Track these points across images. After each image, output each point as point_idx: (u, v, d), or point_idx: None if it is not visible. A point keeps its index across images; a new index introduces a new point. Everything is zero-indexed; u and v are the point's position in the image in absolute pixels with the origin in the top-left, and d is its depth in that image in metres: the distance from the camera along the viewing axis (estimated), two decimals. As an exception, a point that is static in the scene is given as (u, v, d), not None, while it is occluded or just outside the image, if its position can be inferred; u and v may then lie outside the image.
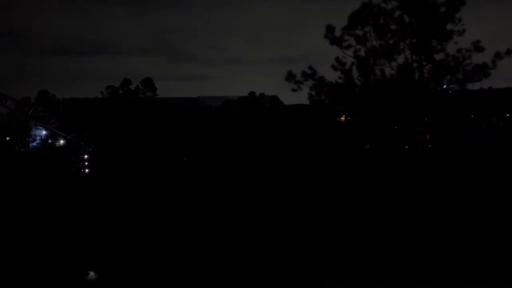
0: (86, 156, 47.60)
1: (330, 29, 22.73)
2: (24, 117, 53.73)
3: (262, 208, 26.47)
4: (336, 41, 22.68)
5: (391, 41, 22.35)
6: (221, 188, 32.03)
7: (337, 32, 22.69)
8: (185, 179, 35.88)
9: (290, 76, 23.37)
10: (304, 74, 23.29)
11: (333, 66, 23.15)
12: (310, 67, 23.37)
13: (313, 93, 24.25)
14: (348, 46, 22.74)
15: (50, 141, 61.63)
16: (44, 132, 58.70)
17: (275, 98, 72.51)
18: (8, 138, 61.59)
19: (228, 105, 70.60)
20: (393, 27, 22.21)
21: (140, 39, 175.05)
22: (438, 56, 22.03)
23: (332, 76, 23.24)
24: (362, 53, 22.69)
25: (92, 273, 18.58)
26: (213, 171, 39.28)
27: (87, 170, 47.17)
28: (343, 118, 34.87)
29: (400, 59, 22.29)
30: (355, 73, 22.91)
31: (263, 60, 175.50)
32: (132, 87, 68.19)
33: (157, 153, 45.80)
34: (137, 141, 49.73)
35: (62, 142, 58.95)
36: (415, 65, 22.28)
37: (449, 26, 21.74)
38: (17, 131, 62.26)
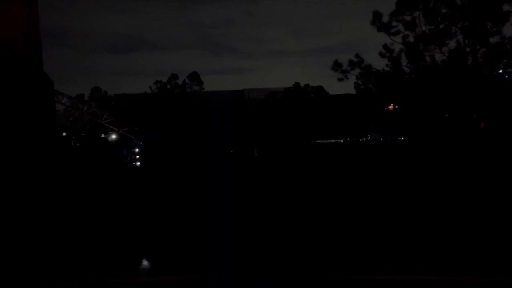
0: (137, 150, 49.22)
1: (377, 15, 22.26)
2: (79, 113, 56.23)
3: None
4: (384, 28, 22.19)
5: (441, 26, 21.60)
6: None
7: (384, 18, 22.20)
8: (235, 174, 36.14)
9: (336, 66, 23.12)
10: (350, 62, 22.98)
11: (380, 54, 22.69)
12: (357, 55, 23.03)
13: (360, 82, 23.92)
14: (396, 33, 22.21)
15: (103, 135, 64.14)
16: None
17: (320, 88, 71.76)
18: (64, 134, 64.66)
19: (273, 97, 70.62)
20: (444, 10, 21.45)
21: (185, 35, 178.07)
22: (493, 39, 21.09)
23: (379, 64, 22.81)
24: (411, 39, 22.11)
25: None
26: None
27: (138, 163, 48.80)
28: (391, 107, 34.09)
29: (452, 43, 21.54)
30: (403, 60, 22.37)
31: (306, 51, 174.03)
32: (179, 81, 69.64)
33: (205, 146, 46.55)
34: (185, 134, 50.84)
35: (114, 136, 61.20)
36: (467, 49, 21.44)
37: (505, 7, 20.73)
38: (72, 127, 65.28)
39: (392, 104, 33.68)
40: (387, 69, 22.92)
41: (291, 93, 70.66)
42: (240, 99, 72.84)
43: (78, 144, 64.89)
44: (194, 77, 69.75)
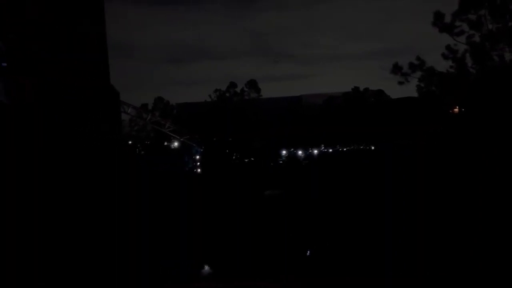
0: (197, 157, 50.52)
1: (438, 16, 21.51)
2: (144, 122, 58.63)
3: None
4: (446, 28, 21.39)
5: (510, 23, 20.48)
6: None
7: (447, 19, 21.40)
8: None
9: (396, 69, 22.59)
10: (411, 65, 22.36)
11: (443, 55, 21.89)
12: (418, 58, 22.37)
13: (422, 84, 23.17)
14: (460, 33, 21.32)
15: (165, 143, 66.44)
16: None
17: (380, 92, 70.04)
18: (130, 142, 67.63)
19: (332, 102, 69.84)
20: (512, 7, 20.34)
21: (242, 43, 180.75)
22: None
23: (441, 65, 22.00)
24: (476, 38, 21.13)
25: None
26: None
27: (199, 170, 50.05)
28: (456, 110, 32.65)
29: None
30: (468, 61, 21.41)
31: (363, 54, 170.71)
32: (238, 89, 70.70)
33: (263, 152, 46.95)
34: (244, 141, 51.54)
35: (176, 144, 63.20)
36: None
37: None
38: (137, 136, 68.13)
39: (457, 107, 32.29)
40: (452, 70, 22.05)
41: (351, 97, 69.53)
42: (297, 105, 72.69)
43: (142, 152, 67.64)
44: (252, 84, 70.57)
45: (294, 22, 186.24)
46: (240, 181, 38.30)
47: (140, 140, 70.30)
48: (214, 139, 51.75)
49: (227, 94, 70.66)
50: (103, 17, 48.07)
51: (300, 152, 60.96)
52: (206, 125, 57.28)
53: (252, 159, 46.30)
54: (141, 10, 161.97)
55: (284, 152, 59.52)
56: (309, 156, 55.93)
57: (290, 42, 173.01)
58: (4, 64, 47.70)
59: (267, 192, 41.71)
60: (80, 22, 45.37)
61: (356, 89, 71.44)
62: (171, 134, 53.14)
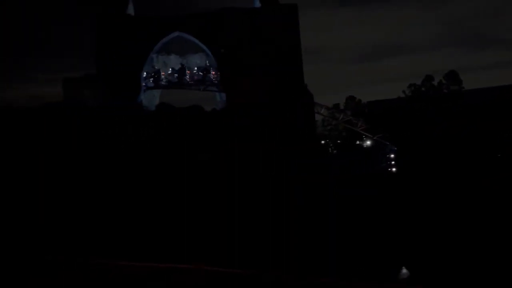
0: (392, 156, 48.94)
1: None
2: (336, 121, 59.67)
3: None
4: None
5: None
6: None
7: None
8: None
9: None
10: None
11: None
12: None
13: None
14: None
15: (358, 142, 66.19)
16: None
17: None
18: (322, 142, 69.42)
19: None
20: None
21: (438, 34, 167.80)
22: None
23: None
24: None
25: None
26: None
27: (393, 169, 48.43)
28: None
29: None
30: None
31: None
32: (435, 82, 66.00)
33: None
34: (442, 139, 47.88)
35: (368, 142, 62.41)
36: None
37: None
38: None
39: None
40: None
41: None
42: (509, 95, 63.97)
43: (335, 151, 68.73)
44: (452, 76, 64.99)
45: (498, 3, 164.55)
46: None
47: (333, 139, 71.56)
48: (412, 136, 49.31)
49: (423, 89, 66.63)
50: (298, 26, 50.96)
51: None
52: (400, 122, 55.04)
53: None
54: (330, 11, 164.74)
55: None
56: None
57: (500, 26, 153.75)
58: (216, 76, 54.13)
59: None
60: (275, 34, 49.17)
61: None
62: (363, 133, 52.77)
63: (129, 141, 40.40)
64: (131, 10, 53.87)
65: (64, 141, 38.58)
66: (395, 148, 48.94)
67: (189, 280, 8.54)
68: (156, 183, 34.03)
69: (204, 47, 52.55)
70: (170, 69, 54.56)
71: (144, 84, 52.77)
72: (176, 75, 53.72)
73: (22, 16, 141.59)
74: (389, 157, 48.88)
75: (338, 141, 71.47)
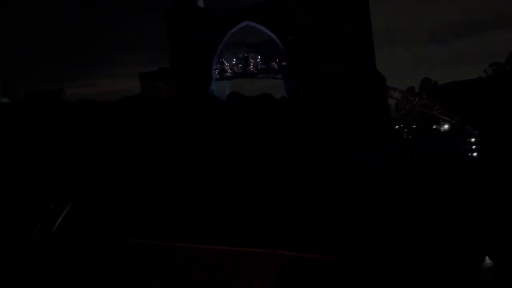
0: (472, 140, 46.13)
1: None
2: (410, 105, 57.32)
3: None
4: None
5: None
6: None
7: None
8: None
9: None
10: None
11: None
12: None
13: None
14: None
15: (434, 126, 63.04)
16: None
17: None
18: (396, 127, 66.87)
19: None
20: None
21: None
22: None
23: None
24: None
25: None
26: None
27: (474, 154, 45.67)
28: None
29: None
30: None
31: None
32: (521, 60, 61.04)
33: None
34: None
35: (446, 126, 59.22)
36: None
37: None
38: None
39: None
40: None
41: None
42: None
43: (410, 136, 65.97)
44: (540, 52, 59.83)
45: None
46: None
47: (407, 124, 68.75)
48: (494, 119, 46.18)
49: (507, 67, 61.97)
50: (367, 7, 49.26)
51: None
52: (482, 103, 51.67)
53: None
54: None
55: None
56: None
57: None
58: (285, 63, 54.33)
59: None
60: (346, 17, 47.94)
61: None
62: (440, 116, 50.25)
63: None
64: (200, 3, 55.05)
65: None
66: (476, 132, 46.06)
67: (266, 265, 8.65)
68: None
69: (272, 35, 52.55)
70: (234, 59, 55.24)
71: (215, 74, 53.98)
72: (241, 65, 54.40)
73: (99, 17, 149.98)
74: (469, 141, 46.09)
75: (413, 126, 68.53)
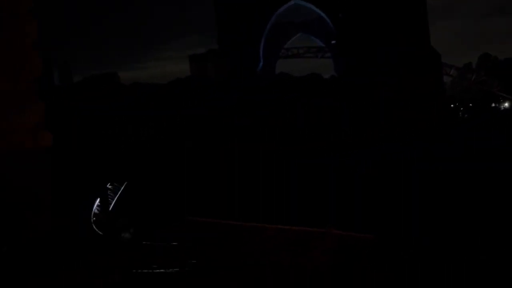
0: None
1: None
2: (467, 83, 54.74)
3: None
4: None
5: None
6: None
7: None
8: None
9: None
10: None
11: None
12: None
13: None
14: None
15: (493, 105, 60.04)
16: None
17: None
18: (452, 105, 64.25)
19: None
20: None
21: None
22: None
23: None
24: None
25: None
26: None
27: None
28: None
29: None
30: None
31: None
32: None
33: None
34: None
35: (506, 105, 56.27)
36: None
37: None
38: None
39: None
40: None
41: None
42: None
43: (466, 115, 63.29)
44: None
45: None
46: None
47: (464, 103, 65.93)
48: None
49: None
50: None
51: None
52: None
53: None
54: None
55: None
56: None
57: None
58: (334, 42, 53.29)
59: None
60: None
61: None
62: (501, 94, 47.75)
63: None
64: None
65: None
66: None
67: (322, 245, 8.79)
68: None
69: (322, 14, 51.51)
70: (283, 39, 54.83)
71: (263, 54, 53.86)
72: (289, 44, 54.04)
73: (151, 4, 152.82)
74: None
75: (470, 104, 65.59)
